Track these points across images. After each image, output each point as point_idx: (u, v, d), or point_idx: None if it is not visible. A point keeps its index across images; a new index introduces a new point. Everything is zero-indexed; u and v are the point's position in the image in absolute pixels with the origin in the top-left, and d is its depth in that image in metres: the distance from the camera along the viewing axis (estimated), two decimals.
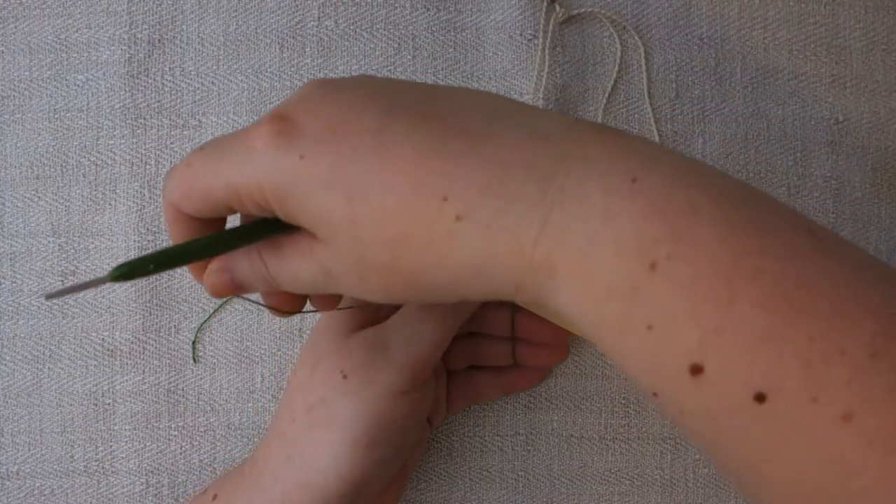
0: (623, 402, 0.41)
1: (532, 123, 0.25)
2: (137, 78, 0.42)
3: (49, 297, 0.24)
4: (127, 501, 0.41)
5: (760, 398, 0.22)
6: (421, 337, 0.32)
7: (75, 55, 0.42)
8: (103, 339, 0.41)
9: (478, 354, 0.39)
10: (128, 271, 0.25)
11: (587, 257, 0.23)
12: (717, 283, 0.22)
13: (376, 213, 0.24)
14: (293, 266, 0.27)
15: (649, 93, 0.42)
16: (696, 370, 0.22)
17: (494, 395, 0.40)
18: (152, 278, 0.41)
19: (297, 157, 0.24)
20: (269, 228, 0.27)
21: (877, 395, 0.21)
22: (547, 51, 0.41)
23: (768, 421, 0.22)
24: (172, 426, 0.41)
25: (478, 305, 0.36)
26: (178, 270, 0.41)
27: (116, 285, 0.41)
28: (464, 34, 0.42)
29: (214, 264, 0.29)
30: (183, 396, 0.41)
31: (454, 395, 0.39)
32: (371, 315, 0.35)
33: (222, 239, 0.27)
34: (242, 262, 0.28)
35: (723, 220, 0.22)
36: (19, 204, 0.42)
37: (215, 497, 0.34)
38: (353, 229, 0.24)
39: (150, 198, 0.42)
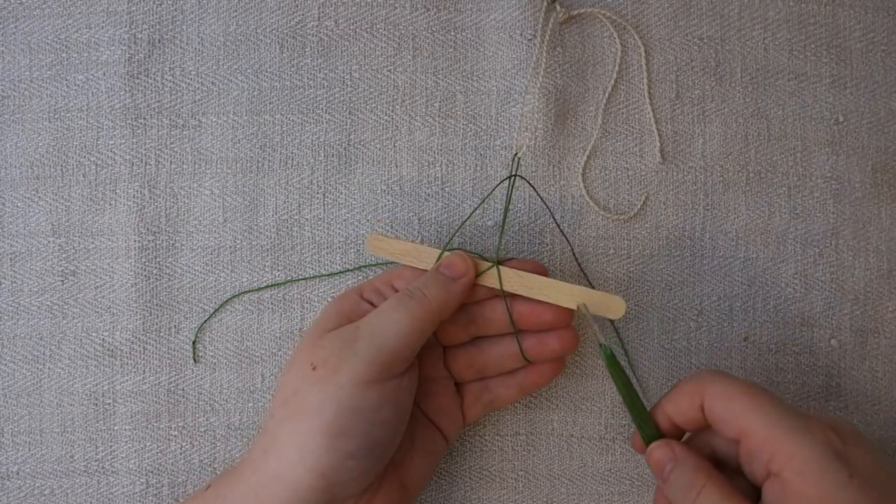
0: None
1: None
2: (137, 78, 0.42)
3: None
4: (127, 501, 0.41)
5: None
6: (388, 329, 0.34)
7: (75, 55, 0.42)
8: (103, 339, 0.41)
9: (486, 362, 0.38)
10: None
11: None
12: None
13: None
14: None
15: (649, 93, 0.42)
16: None
17: (512, 394, 0.39)
18: (152, 278, 0.41)
19: None
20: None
21: None
22: (545, 50, 0.41)
23: None
24: (172, 426, 0.41)
25: (459, 304, 0.36)
26: (178, 270, 0.41)
27: (117, 285, 0.41)
28: (464, 34, 0.42)
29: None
30: (183, 396, 0.41)
31: (468, 401, 0.39)
32: (352, 314, 0.36)
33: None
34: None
35: None
36: (19, 204, 0.42)
37: (209, 487, 0.35)
38: None
39: (150, 198, 0.42)
